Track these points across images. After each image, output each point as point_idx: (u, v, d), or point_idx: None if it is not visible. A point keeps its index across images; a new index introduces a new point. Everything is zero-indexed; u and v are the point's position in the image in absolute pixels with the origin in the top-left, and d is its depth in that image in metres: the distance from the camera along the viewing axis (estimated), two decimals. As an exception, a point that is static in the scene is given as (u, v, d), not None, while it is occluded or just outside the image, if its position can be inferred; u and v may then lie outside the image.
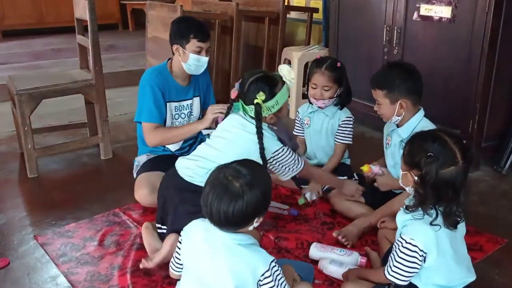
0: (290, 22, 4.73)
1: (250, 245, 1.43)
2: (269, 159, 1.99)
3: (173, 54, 2.51)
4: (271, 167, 2.04)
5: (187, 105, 2.61)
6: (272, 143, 1.99)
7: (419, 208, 1.50)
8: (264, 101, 1.92)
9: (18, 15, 6.53)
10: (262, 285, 1.40)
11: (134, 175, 2.58)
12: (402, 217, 1.56)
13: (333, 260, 1.97)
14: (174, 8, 3.71)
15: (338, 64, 2.52)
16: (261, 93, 1.92)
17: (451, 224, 1.49)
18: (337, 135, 2.59)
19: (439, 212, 1.49)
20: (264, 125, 1.98)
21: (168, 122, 2.54)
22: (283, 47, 4.26)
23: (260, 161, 1.93)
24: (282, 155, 2.02)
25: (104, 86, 3.13)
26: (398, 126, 2.18)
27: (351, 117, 2.59)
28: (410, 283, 1.59)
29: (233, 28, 4.01)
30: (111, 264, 2.07)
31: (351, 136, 2.59)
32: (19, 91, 2.84)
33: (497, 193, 2.68)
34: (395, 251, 1.53)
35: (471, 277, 1.62)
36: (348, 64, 3.70)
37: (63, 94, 3.04)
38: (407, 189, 1.59)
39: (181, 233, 1.54)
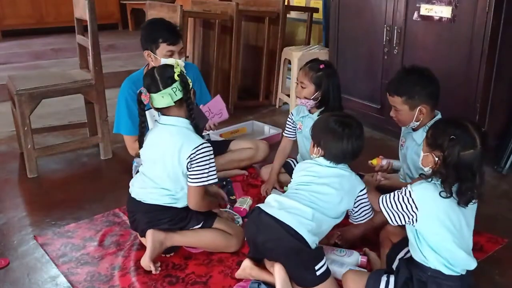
0: (290, 22, 4.73)
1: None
2: (189, 156, 1.93)
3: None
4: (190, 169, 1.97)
5: None
6: (193, 138, 1.96)
7: (432, 177, 1.62)
8: (181, 72, 1.95)
9: (18, 15, 6.52)
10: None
11: (133, 176, 2.57)
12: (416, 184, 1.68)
13: (334, 260, 1.97)
14: (174, 8, 3.71)
15: (321, 66, 2.38)
16: (176, 65, 1.95)
17: (464, 201, 1.58)
18: None
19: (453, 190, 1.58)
20: (185, 122, 1.99)
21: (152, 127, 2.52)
22: (283, 47, 4.26)
23: (181, 172, 1.97)
24: (202, 153, 1.94)
25: (104, 86, 3.13)
26: (414, 130, 2.16)
27: None
28: (412, 260, 1.66)
29: (233, 28, 4.00)
30: (111, 264, 2.07)
31: None
32: (19, 91, 2.83)
33: (497, 193, 2.68)
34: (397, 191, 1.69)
35: (473, 263, 1.66)
36: (348, 64, 3.73)
37: (63, 94, 3.04)
38: (425, 169, 1.68)
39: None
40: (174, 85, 1.93)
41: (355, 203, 1.91)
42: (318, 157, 1.92)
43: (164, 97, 1.93)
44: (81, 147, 3.30)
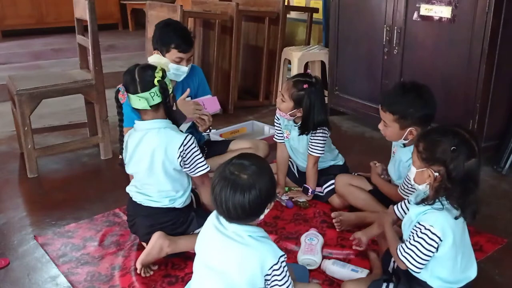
0: (290, 22, 4.73)
1: (261, 238, 1.45)
2: (180, 155, 1.93)
3: None
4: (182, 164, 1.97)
5: None
6: (175, 136, 1.94)
7: (437, 200, 1.51)
8: (162, 78, 1.91)
9: (18, 15, 6.52)
10: (269, 278, 1.43)
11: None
12: (418, 209, 1.56)
13: (336, 260, 1.98)
14: (174, 8, 3.71)
15: (305, 86, 2.29)
16: (157, 69, 1.91)
17: (470, 215, 1.52)
18: (309, 144, 2.45)
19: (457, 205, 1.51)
20: (162, 121, 1.96)
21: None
22: (283, 47, 4.26)
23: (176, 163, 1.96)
24: (189, 146, 1.94)
25: (104, 86, 3.13)
26: (404, 145, 2.11)
27: (325, 130, 2.42)
28: (414, 277, 1.60)
29: (233, 28, 4.00)
30: (112, 264, 2.07)
31: (320, 148, 2.43)
32: (19, 91, 2.83)
33: (497, 193, 2.68)
34: (412, 235, 1.54)
35: (473, 274, 1.64)
36: (348, 64, 3.73)
37: (63, 94, 3.04)
38: (421, 187, 1.59)
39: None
40: (153, 89, 1.89)
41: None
42: None
43: (141, 100, 1.89)
44: (81, 147, 3.30)
